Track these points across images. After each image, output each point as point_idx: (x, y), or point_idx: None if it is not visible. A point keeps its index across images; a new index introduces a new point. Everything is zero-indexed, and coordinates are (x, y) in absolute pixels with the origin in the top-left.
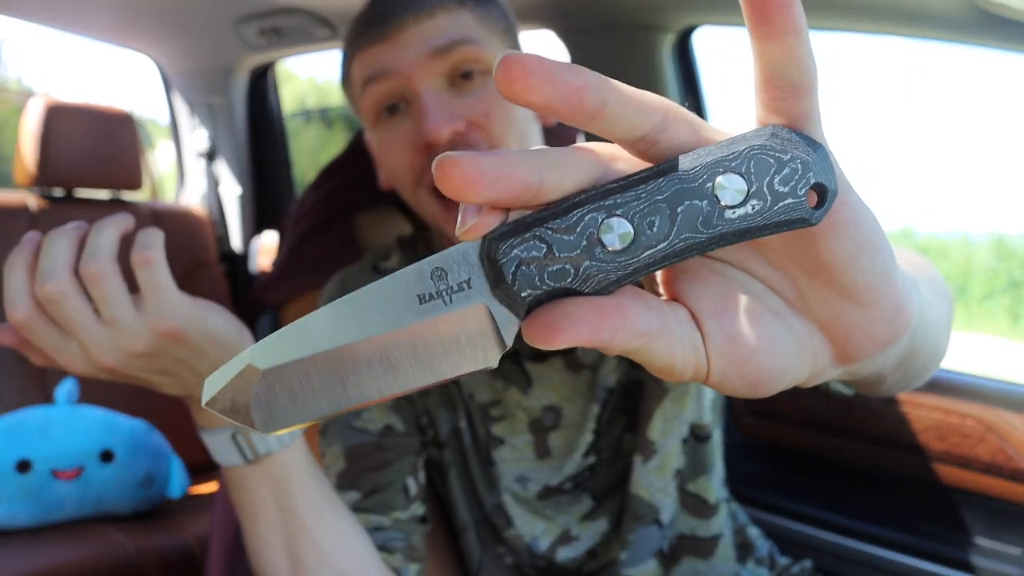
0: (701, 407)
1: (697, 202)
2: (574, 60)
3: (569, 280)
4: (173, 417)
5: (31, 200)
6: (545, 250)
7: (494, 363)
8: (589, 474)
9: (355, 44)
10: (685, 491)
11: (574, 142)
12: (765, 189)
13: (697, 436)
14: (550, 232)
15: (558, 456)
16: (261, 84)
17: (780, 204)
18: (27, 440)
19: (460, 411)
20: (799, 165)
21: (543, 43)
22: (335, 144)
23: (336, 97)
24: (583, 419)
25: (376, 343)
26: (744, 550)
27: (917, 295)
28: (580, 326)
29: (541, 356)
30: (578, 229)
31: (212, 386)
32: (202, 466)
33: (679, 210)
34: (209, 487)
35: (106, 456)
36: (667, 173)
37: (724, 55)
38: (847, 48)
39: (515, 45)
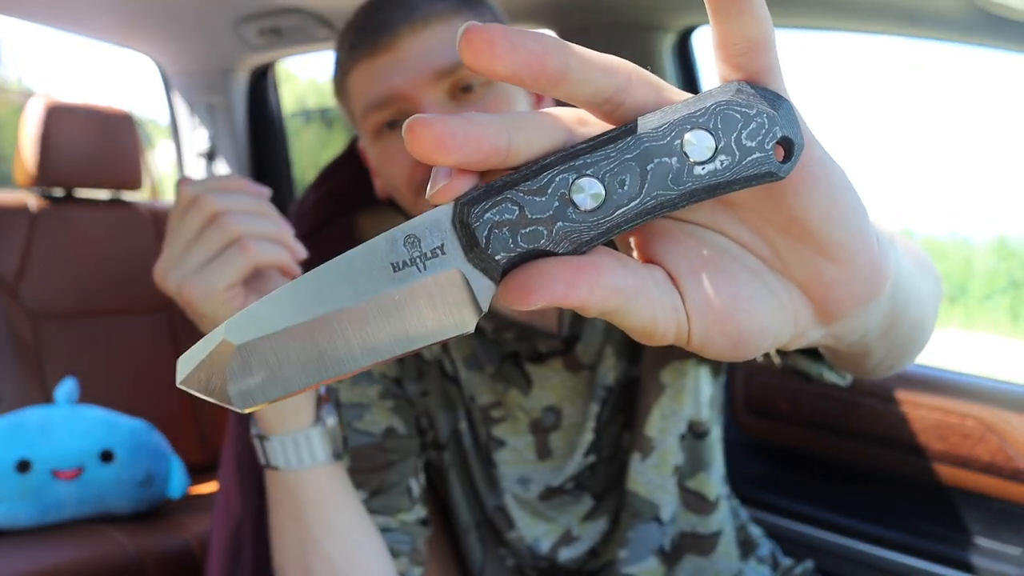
0: (699, 404)
1: (666, 159)
2: None
3: (542, 241)
4: (173, 417)
5: (31, 200)
6: (517, 212)
7: (470, 328)
8: (590, 473)
9: (350, 55)
10: (684, 488)
11: None
12: (733, 144)
13: (695, 432)
14: (521, 194)
15: (559, 456)
16: (261, 84)
17: (748, 159)
18: (27, 440)
19: (460, 412)
20: (765, 119)
21: None
22: (335, 144)
23: None
24: (583, 419)
25: (351, 313)
26: (746, 547)
27: (894, 255)
28: (555, 284)
29: (540, 357)
30: (549, 190)
31: (186, 363)
32: (202, 466)
33: (649, 168)
34: (209, 487)
35: (106, 456)
36: (635, 132)
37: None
38: (848, 48)
39: None
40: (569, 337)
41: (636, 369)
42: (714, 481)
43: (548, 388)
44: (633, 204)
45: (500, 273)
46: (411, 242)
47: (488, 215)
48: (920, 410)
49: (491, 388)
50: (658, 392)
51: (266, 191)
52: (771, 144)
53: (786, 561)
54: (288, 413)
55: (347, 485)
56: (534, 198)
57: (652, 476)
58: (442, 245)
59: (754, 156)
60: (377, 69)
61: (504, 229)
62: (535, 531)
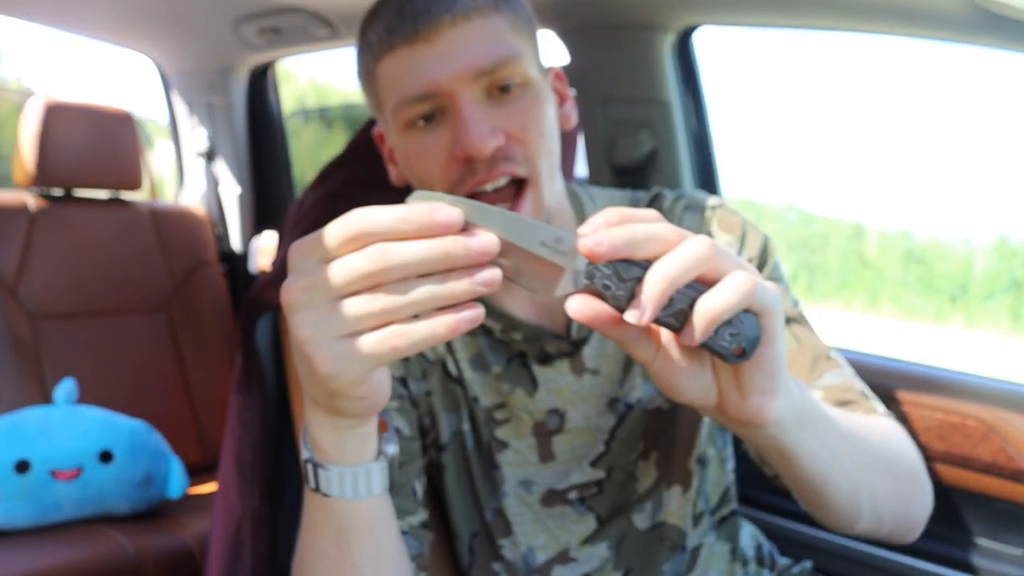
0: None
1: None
2: (574, 60)
3: (609, 292)
4: (172, 417)
5: (30, 200)
6: (615, 279)
7: (544, 296)
8: (596, 490)
9: (385, 40)
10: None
11: (575, 144)
12: (716, 333)
13: (700, 461)
14: (619, 279)
15: (562, 460)
16: (261, 84)
17: (720, 344)
18: (26, 440)
19: (464, 413)
20: (742, 330)
21: (544, 43)
22: (335, 143)
23: (336, 97)
24: (588, 425)
25: (507, 245)
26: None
27: (796, 423)
28: (595, 320)
29: (548, 359)
30: (630, 286)
31: None
32: (201, 466)
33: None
34: (208, 487)
35: (105, 456)
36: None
37: (724, 54)
38: (850, 48)
39: (538, 49)
40: (577, 340)
41: (664, 398)
42: (701, 499)
43: (554, 390)
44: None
45: (579, 289)
46: (555, 240)
47: (602, 274)
48: (921, 410)
49: (496, 389)
50: (696, 423)
51: (457, 219)
52: (734, 346)
53: (784, 561)
54: (351, 444)
55: (392, 511)
56: (622, 284)
57: (689, 509)
58: (568, 252)
59: (723, 344)
60: (415, 60)
61: (598, 277)
62: (533, 540)
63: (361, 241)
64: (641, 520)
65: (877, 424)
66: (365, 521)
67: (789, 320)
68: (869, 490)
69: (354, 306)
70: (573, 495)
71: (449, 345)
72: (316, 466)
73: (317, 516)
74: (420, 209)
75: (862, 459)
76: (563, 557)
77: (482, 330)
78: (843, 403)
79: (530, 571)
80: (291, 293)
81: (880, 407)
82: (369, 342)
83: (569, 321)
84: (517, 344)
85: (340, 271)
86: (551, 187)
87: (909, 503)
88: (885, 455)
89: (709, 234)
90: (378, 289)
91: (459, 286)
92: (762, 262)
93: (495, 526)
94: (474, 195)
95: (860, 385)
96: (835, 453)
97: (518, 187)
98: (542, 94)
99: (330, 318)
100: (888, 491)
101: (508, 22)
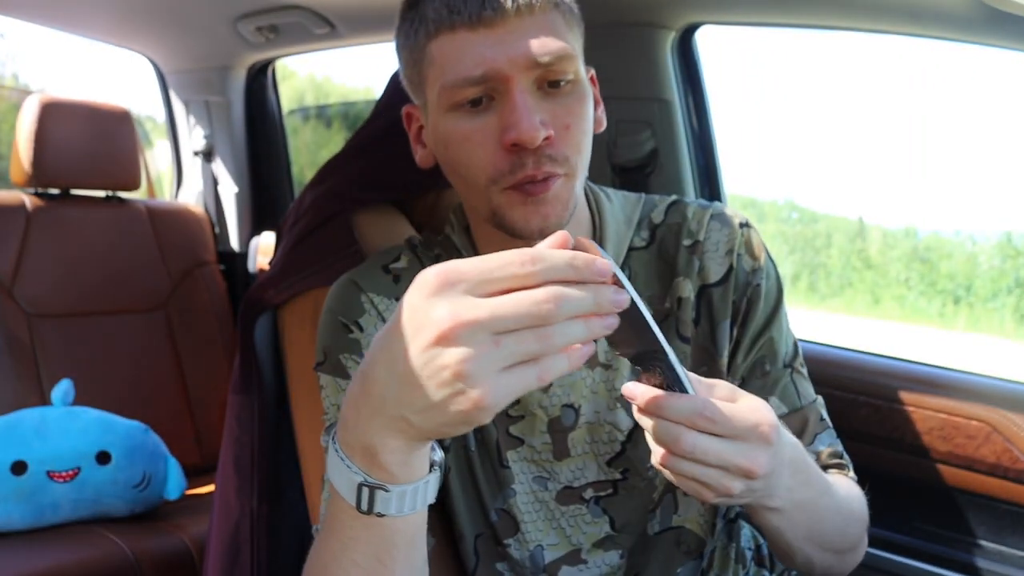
0: None
1: None
2: None
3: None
4: (170, 418)
5: (27, 199)
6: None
7: (614, 352)
8: (612, 491)
9: (445, 20)
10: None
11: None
12: None
13: None
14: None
15: (577, 456)
16: (259, 81)
17: None
18: (23, 441)
19: None
20: None
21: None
22: (334, 142)
23: (335, 94)
24: (600, 420)
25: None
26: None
27: (793, 513)
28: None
29: None
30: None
31: None
32: (199, 467)
33: None
34: (206, 488)
35: (102, 457)
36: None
37: (726, 54)
38: (851, 47)
39: (583, 50)
40: None
41: None
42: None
43: (568, 384)
44: None
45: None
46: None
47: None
48: (924, 410)
49: None
50: None
51: (610, 274)
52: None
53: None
54: (419, 462)
55: (424, 524)
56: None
57: (708, 517)
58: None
59: None
60: (477, 43)
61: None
62: (543, 538)
63: (527, 281)
64: (656, 525)
65: (846, 493)
66: (411, 531)
67: (789, 368)
68: (818, 558)
69: (521, 343)
70: (589, 493)
71: None
72: (374, 489)
73: (356, 533)
74: (585, 258)
75: (819, 537)
76: (573, 558)
77: None
78: (828, 468)
79: (536, 570)
80: (451, 328)
81: (851, 471)
82: (526, 375)
83: None
84: None
85: (515, 311)
86: (581, 184)
87: (844, 565)
88: (839, 529)
89: (738, 254)
90: (541, 326)
91: (596, 330)
92: (778, 300)
93: (500, 526)
94: (521, 185)
95: (839, 445)
96: (801, 535)
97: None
98: (586, 94)
99: (495, 353)
100: (828, 559)
101: (565, 20)
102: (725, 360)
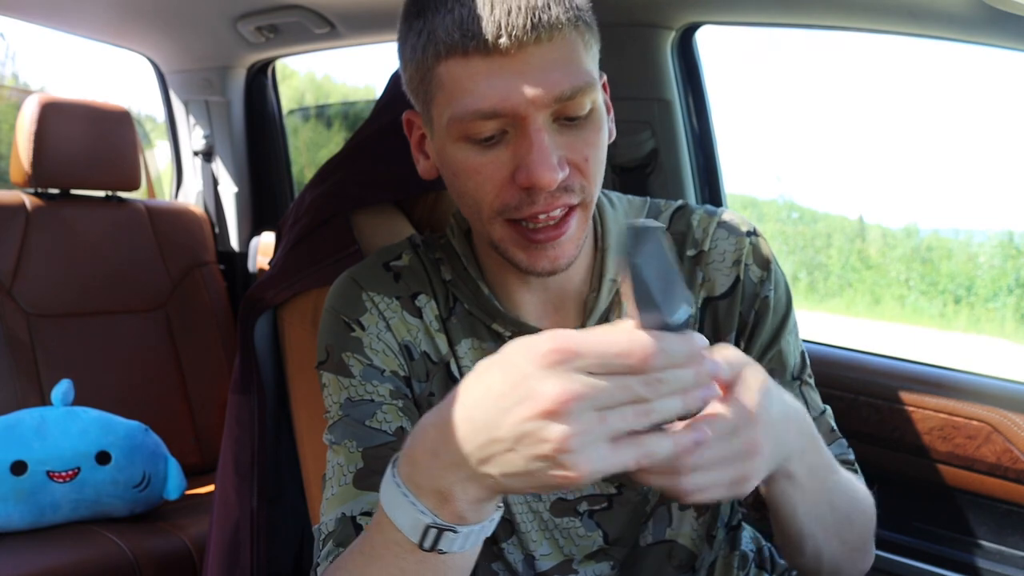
0: None
1: None
2: None
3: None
4: (170, 418)
5: (27, 198)
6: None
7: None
8: (606, 504)
9: (457, 44)
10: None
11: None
12: None
13: None
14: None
15: None
16: (259, 81)
17: None
18: (23, 441)
19: None
20: None
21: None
22: (334, 142)
23: (335, 94)
24: None
25: None
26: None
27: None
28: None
29: None
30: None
31: None
32: (199, 467)
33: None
34: (206, 488)
35: (102, 458)
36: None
37: (726, 53)
38: (852, 46)
39: (598, 59)
40: None
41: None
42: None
43: None
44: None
45: None
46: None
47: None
48: (924, 410)
49: None
50: None
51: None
52: None
53: (784, 562)
54: (491, 505)
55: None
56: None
57: (702, 532)
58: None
59: None
60: (492, 74)
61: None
62: (538, 547)
63: (635, 367)
64: (649, 537)
65: (855, 483)
66: (466, 564)
67: (797, 381)
68: (827, 549)
69: (625, 419)
70: (583, 507)
71: (453, 348)
72: (443, 531)
73: (408, 566)
74: (688, 348)
75: (829, 518)
76: (565, 567)
77: (492, 335)
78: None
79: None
80: (563, 404)
81: (861, 478)
82: (624, 453)
83: (580, 326)
84: None
85: (622, 392)
86: (593, 208)
87: (852, 566)
88: (847, 512)
89: (745, 264)
90: (643, 403)
91: (693, 404)
92: (787, 312)
93: (497, 528)
94: (525, 220)
95: (851, 455)
96: (812, 514)
97: (568, 209)
98: (603, 120)
99: (598, 428)
100: (836, 553)
101: (584, 40)
102: None
